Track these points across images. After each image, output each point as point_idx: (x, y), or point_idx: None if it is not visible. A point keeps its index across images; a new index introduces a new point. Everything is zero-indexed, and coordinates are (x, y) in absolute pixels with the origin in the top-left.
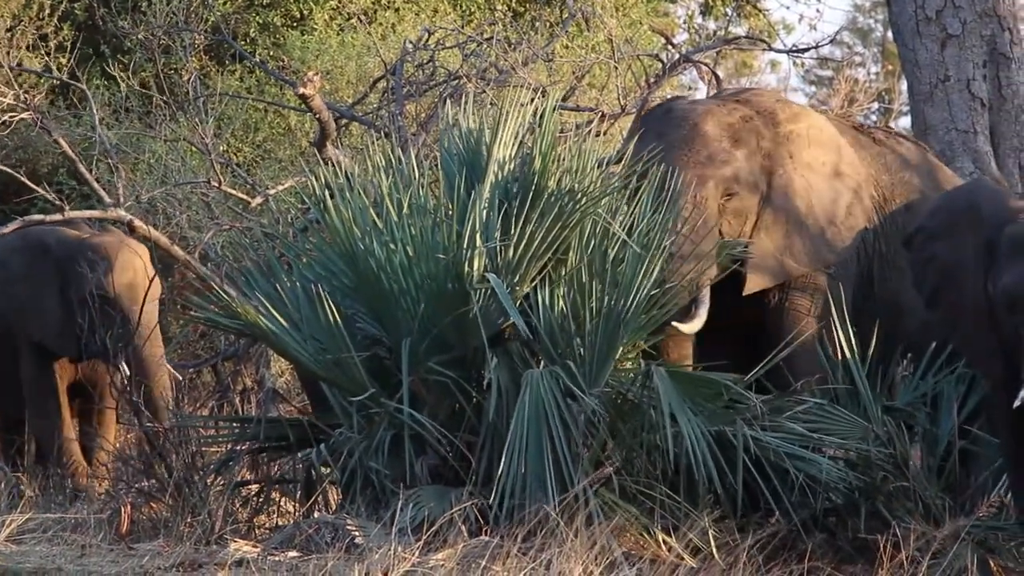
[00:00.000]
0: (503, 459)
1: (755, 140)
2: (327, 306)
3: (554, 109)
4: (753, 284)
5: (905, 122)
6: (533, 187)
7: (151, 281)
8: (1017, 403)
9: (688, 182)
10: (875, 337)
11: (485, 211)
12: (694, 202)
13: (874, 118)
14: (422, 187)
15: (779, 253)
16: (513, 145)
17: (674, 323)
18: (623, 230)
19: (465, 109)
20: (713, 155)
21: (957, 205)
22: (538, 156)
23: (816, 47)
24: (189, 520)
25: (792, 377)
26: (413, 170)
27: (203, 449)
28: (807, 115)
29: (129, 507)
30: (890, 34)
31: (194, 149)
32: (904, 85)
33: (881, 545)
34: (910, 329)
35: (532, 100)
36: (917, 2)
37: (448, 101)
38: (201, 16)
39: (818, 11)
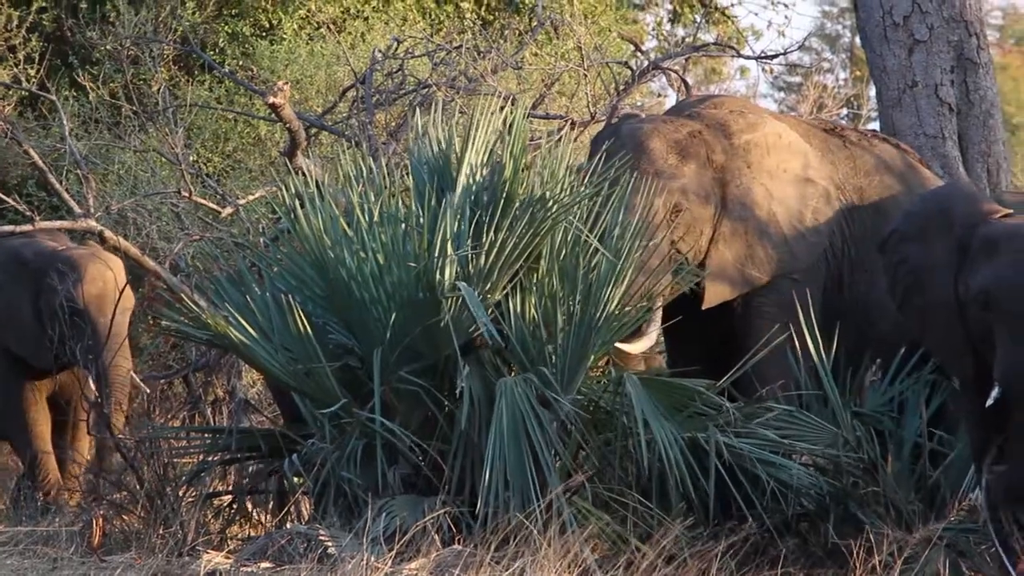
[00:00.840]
0: (485, 468)
1: (704, 153)
2: (298, 316)
3: (525, 117)
4: (713, 297)
5: (874, 128)
6: (504, 195)
7: (121, 293)
8: (990, 402)
9: (636, 199)
10: (845, 342)
11: (456, 219)
12: (644, 219)
13: (844, 124)
14: (393, 196)
15: (740, 263)
16: (484, 153)
17: (618, 344)
18: (595, 237)
19: (435, 118)
20: (659, 172)
21: (929, 208)
22: (509, 163)
23: (785, 53)
24: (161, 532)
25: (761, 383)
26: (384, 179)
27: (175, 460)
28: (764, 123)
29: (101, 519)
30: (858, 40)
31: (164, 159)
32: (872, 91)
33: (854, 550)
34: (881, 333)
35: (502, 108)
36: (885, 8)
37: (418, 110)
38: (169, 26)
39: (786, 17)
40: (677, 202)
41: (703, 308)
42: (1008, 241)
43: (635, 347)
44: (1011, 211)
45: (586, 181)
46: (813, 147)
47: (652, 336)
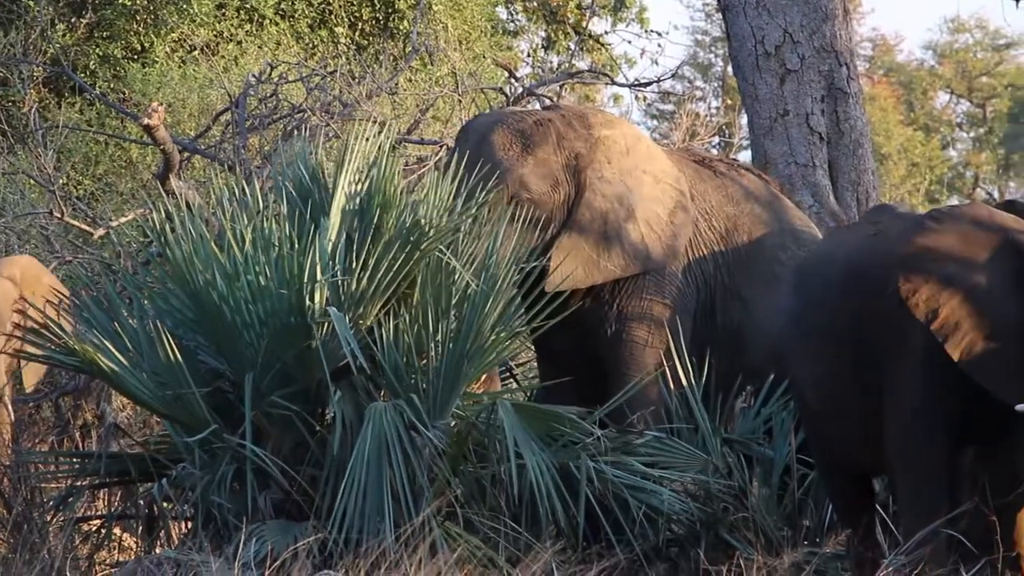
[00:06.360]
0: (342, 492)
1: (554, 139)
2: (168, 341)
3: (398, 142)
4: (566, 281)
5: (745, 156)
6: (376, 221)
7: None
8: None
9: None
10: (716, 370)
11: (329, 244)
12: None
13: (715, 152)
14: (265, 220)
15: (595, 253)
16: (358, 178)
17: None
18: (468, 264)
19: (310, 142)
20: (499, 163)
21: (967, 226)
22: (382, 189)
23: (658, 81)
24: (28, 557)
25: (630, 410)
26: (257, 203)
27: (42, 485)
28: (622, 123)
29: None
30: (730, 69)
31: (33, 182)
32: (744, 119)
33: (723, 575)
34: (753, 363)
35: (376, 133)
36: (756, 37)
37: (293, 134)
38: (40, 48)
39: (659, 46)
40: (515, 193)
41: (547, 289)
42: None
43: None
44: None
45: (460, 207)
46: (685, 177)
47: None
